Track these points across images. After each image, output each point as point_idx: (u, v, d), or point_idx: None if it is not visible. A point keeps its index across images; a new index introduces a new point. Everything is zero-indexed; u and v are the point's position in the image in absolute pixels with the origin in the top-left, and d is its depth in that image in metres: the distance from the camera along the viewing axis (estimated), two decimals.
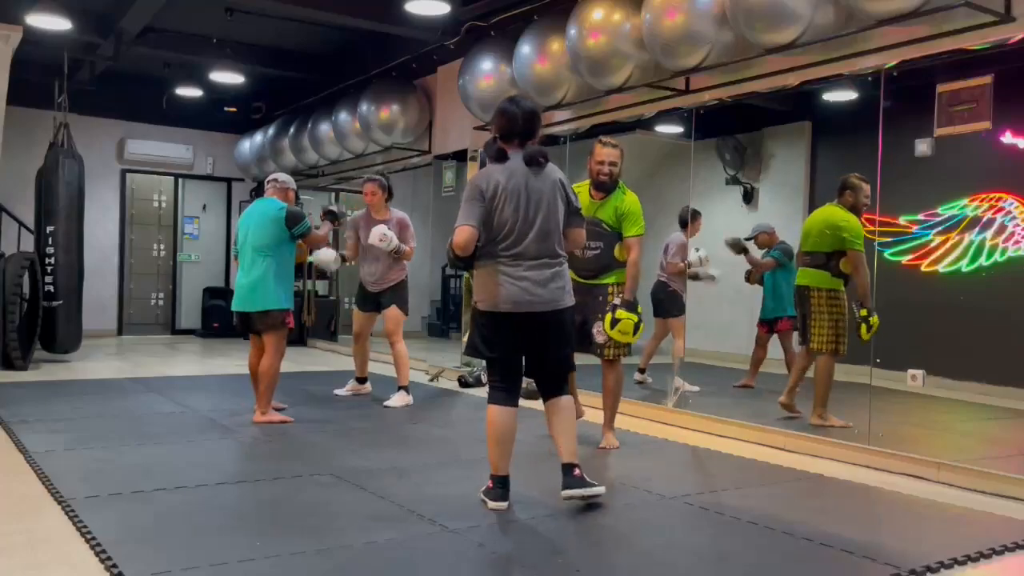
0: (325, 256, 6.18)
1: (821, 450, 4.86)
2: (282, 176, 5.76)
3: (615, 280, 4.75)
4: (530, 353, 3.71)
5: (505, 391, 3.67)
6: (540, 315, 3.57)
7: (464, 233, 3.47)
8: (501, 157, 3.57)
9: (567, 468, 3.62)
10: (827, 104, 7.75)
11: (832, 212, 5.53)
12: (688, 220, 6.86)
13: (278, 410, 5.67)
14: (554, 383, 3.75)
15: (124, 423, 5.33)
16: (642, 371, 7.11)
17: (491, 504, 3.62)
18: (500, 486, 3.64)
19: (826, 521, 3.55)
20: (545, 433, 5.33)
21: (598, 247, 4.70)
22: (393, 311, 6.30)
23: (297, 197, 5.82)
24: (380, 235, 5.99)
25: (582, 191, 4.70)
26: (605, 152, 4.72)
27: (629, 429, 5.42)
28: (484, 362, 4.13)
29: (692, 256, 6.85)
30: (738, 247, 6.97)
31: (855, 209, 5.52)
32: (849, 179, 5.52)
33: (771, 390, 7.01)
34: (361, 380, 6.66)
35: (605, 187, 4.75)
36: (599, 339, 4.67)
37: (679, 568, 3.06)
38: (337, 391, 6.68)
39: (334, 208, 6.08)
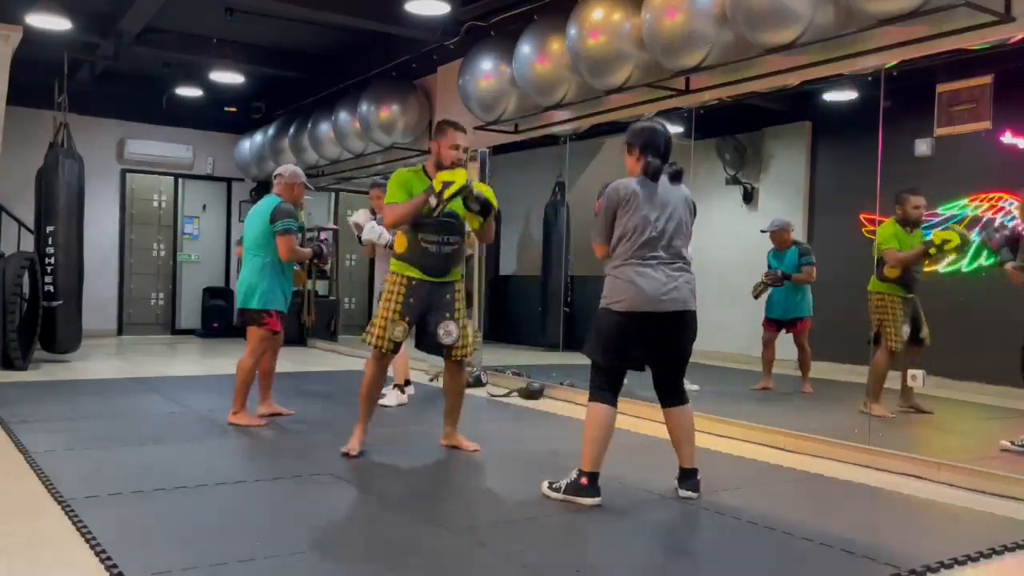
0: (359, 218, 6.16)
1: (821, 450, 4.86)
2: (287, 170, 5.50)
3: (458, 276, 4.58)
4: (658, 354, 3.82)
5: (613, 392, 3.74)
6: (671, 314, 3.70)
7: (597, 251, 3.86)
8: (657, 174, 3.79)
9: (692, 472, 3.83)
10: (827, 104, 7.75)
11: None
12: None
13: (276, 415, 5.65)
14: (676, 387, 3.92)
15: (124, 423, 5.33)
16: None
17: (588, 502, 3.64)
18: (596, 482, 3.68)
19: (826, 521, 3.55)
20: (540, 435, 5.34)
21: (456, 242, 4.48)
22: None
23: (308, 189, 5.60)
24: (356, 224, 6.02)
25: (418, 177, 4.45)
26: (460, 136, 4.47)
27: (630, 429, 5.42)
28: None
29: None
30: (775, 280, 6.89)
31: (905, 221, 5.72)
32: (898, 194, 5.72)
33: (780, 391, 7.02)
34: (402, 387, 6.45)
35: None
36: (447, 340, 4.44)
37: (679, 568, 3.06)
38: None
39: (326, 248, 5.73)
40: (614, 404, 3.72)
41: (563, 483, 3.73)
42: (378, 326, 4.43)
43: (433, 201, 4.20)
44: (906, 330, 5.71)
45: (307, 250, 5.57)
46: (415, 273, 4.41)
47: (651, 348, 3.74)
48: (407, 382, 6.59)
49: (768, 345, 7.01)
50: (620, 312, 3.67)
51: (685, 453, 3.86)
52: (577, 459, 3.71)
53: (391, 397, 6.22)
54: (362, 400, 4.61)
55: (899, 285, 5.74)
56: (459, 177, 4.20)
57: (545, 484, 3.81)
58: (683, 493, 3.82)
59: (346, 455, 4.46)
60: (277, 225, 5.21)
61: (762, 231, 7.08)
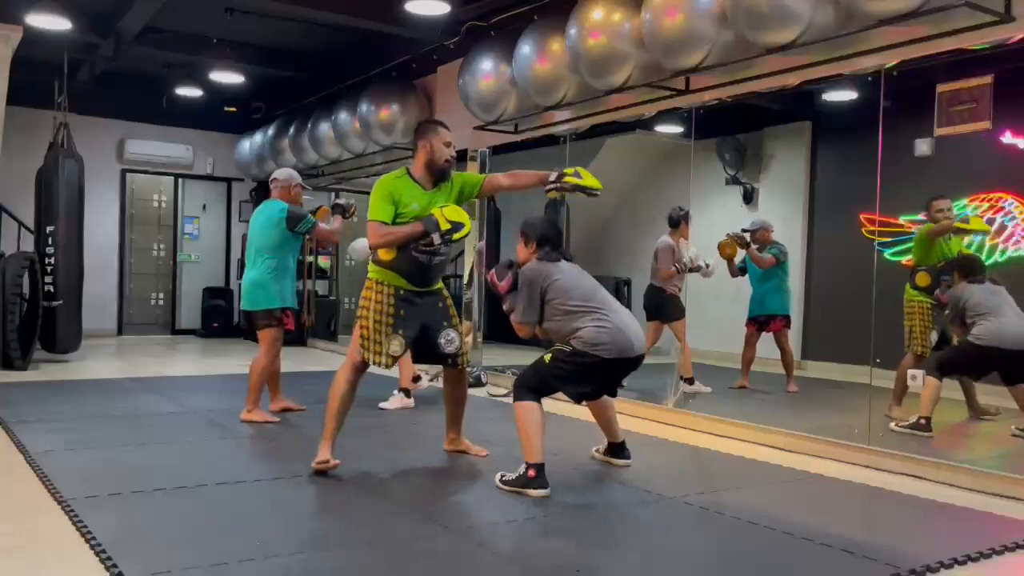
0: (360, 247, 6.08)
1: (821, 450, 4.86)
2: (283, 174, 5.64)
3: (441, 285, 4.44)
4: None
5: (540, 397, 4.03)
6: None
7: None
8: (558, 259, 4.18)
9: (623, 445, 4.46)
10: (827, 104, 7.76)
11: None
12: (680, 220, 6.88)
13: (288, 410, 5.71)
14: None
15: (124, 423, 5.33)
16: None
17: (539, 493, 3.78)
18: (544, 472, 3.84)
19: (826, 521, 3.55)
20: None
21: (446, 253, 4.31)
22: None
23: (304, 189, 5.71)
24: (359, 248, 6.01)
25: (404, 182, 4.19)
26: (449, 134, 4.28)
27: (630, 429, 5.41)
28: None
29: (690, 254, 6.85)
30: (741, 241, 6.96)
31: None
32: (926, 201, 5.85)
33: (768, 390, 7.03)
34: (410, 387, 6.30)
35: (447, 175, 4.30)
36: (450, 348, 4.33)
37: (679, 568, 3.06)
38: (382, 405, 6.15)
39: (341, 201, 5.77)
40: (540, 401, 3.99)
41: (512, 476, 3.88)
42: (372, 340, 4.15)
43: (436, 239, 4.00)
44: (934, 337, 5.73)
45: (336, 224, 5.67)
46: (401, 283, 4.19)
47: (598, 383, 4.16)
48: (417, 378, 6.53)
49: (748, 343, 7.03)
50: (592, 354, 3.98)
51: (613, 430, 4.41)
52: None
53: (394, 401, 6.16)
54: (332, 416, 4.19)
55: (929, 294, 5.76)
56: (466, 220, 4.06)
57: (498, 476, 3.94)
58: (619, 463, 4.38)
59: (321, 471, 4.06)
60: (307, 222, 5.39)
61: (743, 230, 7.10)
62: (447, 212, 4.05)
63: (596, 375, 3.98)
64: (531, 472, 3.80)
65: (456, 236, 4.04)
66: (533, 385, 3.99)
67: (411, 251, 4.12)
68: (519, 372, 4.24)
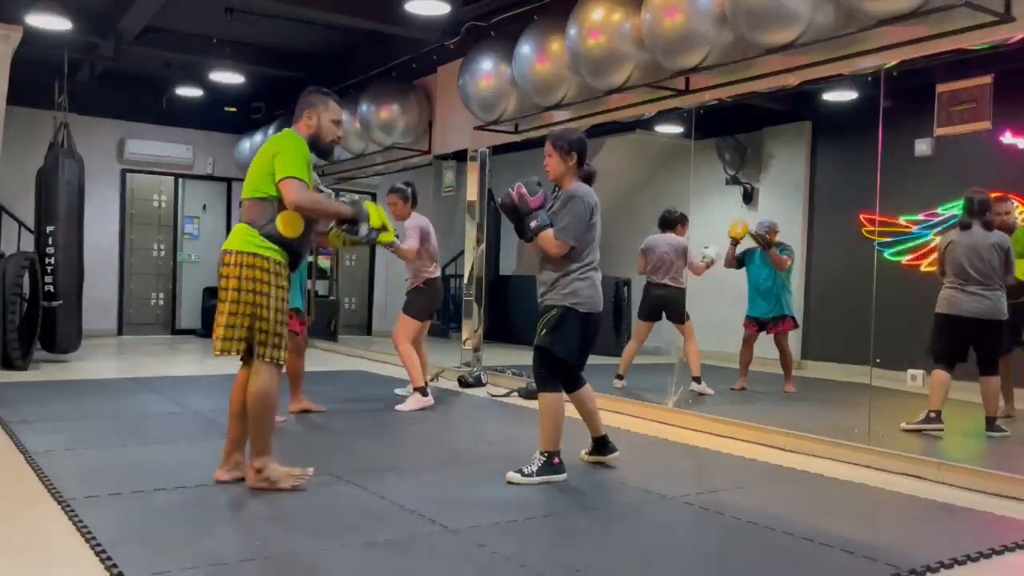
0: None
1: (821, 450, 4.86)
2: None
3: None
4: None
5: (562, 380, 4.17)
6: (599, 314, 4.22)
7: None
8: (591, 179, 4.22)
9: (606, 438, 4.41)
10: (827, 104, 7.77)
11: None
12: (676, 222, 6.87)
13: (308, 411, 5.72)
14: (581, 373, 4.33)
15: (124, 423, 5.33)
16: (620, 376, 7.03)
17: (561, 478, 4.03)
18: (561, 459, 4.09)
19: (826, 521, 3.55)
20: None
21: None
22: (399, 315, 6.21)
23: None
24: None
25: (303, 147, 3.78)
26: (339, 111, 3.95)
27: (629, 429, 5.42)
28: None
29: (711, 251, 6.85)
30: (762, 240, 6.89)
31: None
32: None
33: (767, 390, 7.03)
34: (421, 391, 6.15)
35: (329, 155, 4.05)
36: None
37: (679, 568, 3.06)
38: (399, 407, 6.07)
39: (345, 199, 5.78)
40: (563, 391, 4.17)
41: (533, 468, 4.03)
42: (280, 335, 3.79)
43: (364, 229, 3.88)
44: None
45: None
46: (287, 262, 3.77)
47: (587, 342, 4.21)
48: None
49: (747, 344, 7.01)
50: (584, 313, 4.08)
51: (596, 423, 4.38)
52: (576, 459, 3.72)
53: (412, 402, 6.07)
54: (271, 430, 3.88)
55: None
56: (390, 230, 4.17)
57: (514, 475, 4.01)
58: (609, 459, 4.38)
59: (296, 488, 3.80)
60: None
61: (749, 234, 7.07)
62: (382, 214, 4.06)
63: (577, 330, 4.09)
64: (556, 460, 4.04)
65: (382, 238, 4.12)
66: (546, 373, 4.13)
67: (328, 231, 4.06)
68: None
